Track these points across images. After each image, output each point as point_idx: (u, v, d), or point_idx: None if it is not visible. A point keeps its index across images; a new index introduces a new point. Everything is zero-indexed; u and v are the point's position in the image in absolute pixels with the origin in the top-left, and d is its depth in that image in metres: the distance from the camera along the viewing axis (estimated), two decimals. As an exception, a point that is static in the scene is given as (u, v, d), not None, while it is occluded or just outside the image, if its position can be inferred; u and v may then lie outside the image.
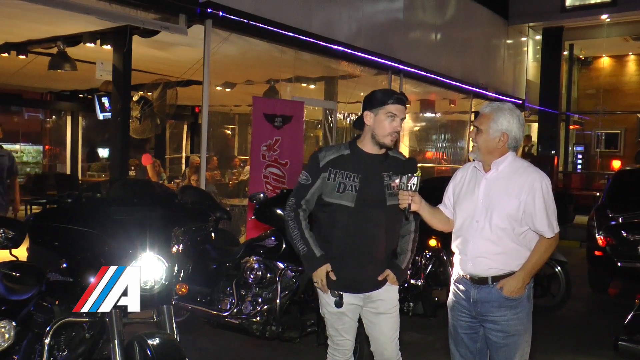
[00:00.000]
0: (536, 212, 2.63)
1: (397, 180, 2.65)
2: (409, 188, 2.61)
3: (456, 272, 2.86)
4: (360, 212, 2.77)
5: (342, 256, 2.81)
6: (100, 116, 10.06)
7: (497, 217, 2.66)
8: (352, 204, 2.76)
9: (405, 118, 2.83)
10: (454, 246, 2.85)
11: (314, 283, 2.87)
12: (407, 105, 2.89)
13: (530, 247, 2.72)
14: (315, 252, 2.79)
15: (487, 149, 2.71)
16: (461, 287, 2.80)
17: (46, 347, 2.60)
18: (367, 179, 2.79)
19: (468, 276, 2.75)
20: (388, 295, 2.89)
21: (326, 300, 2.87)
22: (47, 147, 14.97)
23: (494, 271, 2.70)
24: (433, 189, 3.27)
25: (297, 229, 2.82)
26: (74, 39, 7.25)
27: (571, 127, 16.47)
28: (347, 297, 2.83)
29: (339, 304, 2.81)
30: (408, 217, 2.80)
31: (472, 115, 3.01)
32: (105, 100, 9.79)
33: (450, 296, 2.90)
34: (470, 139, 2.80)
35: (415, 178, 2.61)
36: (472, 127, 2.78)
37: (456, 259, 2.84)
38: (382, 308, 2.89)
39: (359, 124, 2.87)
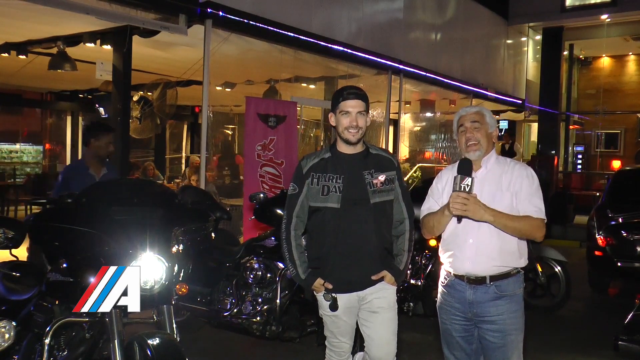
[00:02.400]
0: (522, 192, 2.67)
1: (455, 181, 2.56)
2: (461, 189, 2.54)
3: (447, 274, 2.84)
4: (347, 212, 2.79)
5: (333, 257, 2.82)
6: (105, 114, 10.09)
7: None
8: (338, 204, 2.78)
9: (366, 111, 2.83)
10: (445, 248, 2.82)
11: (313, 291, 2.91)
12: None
13: (524, 249, 2.77)
14: (300, 274, 2.86)
15: (488, 142, 2.78)
16: (455, 289, 2.78)
17: (46, 347, 2.60)
18: (349, 179, 2.81)
19: (464, 277, 2.74)
20: (383, 294, 2.88)
21: (321, 303, 2.89)
22: (47, 147, 14.97)
23: (495, 269, 2.70)
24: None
25: (287, 250, 2.90)
26: (74, 39, 7.25)
27: (571, 127, 16.48)
28: (342, 300, 2.83)
29: (333, 307, 2.82)
30: (461, 220, 2.67)
31: (457, 118, 2.98)
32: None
33: (441, 299, 2.87)
34: (466, 136, 2.78)
35: (469, 179, 2.52)
36: (468, 126, 2.77)
37: (447, 261, 2.81)
38: (375, 306, 2.87)
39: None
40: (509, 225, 2.62)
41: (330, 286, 2.81)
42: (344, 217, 2.79)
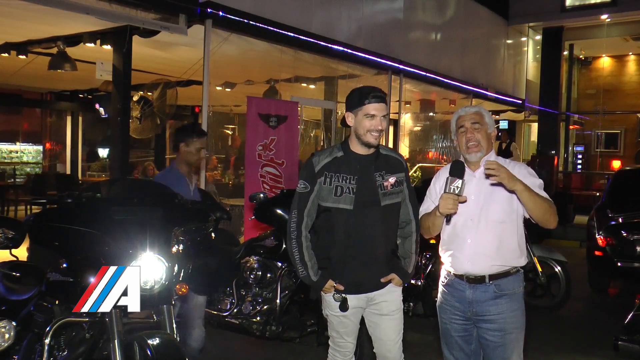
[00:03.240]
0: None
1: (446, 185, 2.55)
2: (451, 191, 2.54)
3: (447, 274, 2.84)
4: (359, 214, 2.75)
5: (343, 259, 2.80)
6: (105, 114, 10.11)
7: (494, 212, 2.68)
8: (351, 206, 2.74)
9: (387, 115, 2.80)
10: (445, 248, 2.82)
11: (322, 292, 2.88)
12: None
13: (523, 248, 2.77)
14: (312, 276, 2.79)
15: (488, 142, 2.78)
16: (454, 288, 2.78)
17: (46, 347, 2.60)
18: (362, 180, 2.77)
19: (464, 277, 2.74)
20: (391, 297, 2.88)
21: (330, 303, 2.87)
22: (47, 147, 14.98)
23: (494, 268, 2.70)
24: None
25: (298, 251, 2.81)
26: (74, 39, 7.25)
27: (571, 127, 16.48)
28: (350, 300, 2.82)
29: (343, 307, 2.80)
30: (449, 221, 2.69)
31: (455, 119, 2.94)
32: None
33: (441, 299, 2.87)
34: (466, 137, 2.77)
35: (460, 181, 2.53)
36: (468, 127, 2.76)
37: (447, 260, 2.81)
38: (385, 310, 2.87)
39: (346, 123, 2.87)
40: (536, 201, 2.56)
41: (341, 287, 2.79)
42: (356, 219, 2.75)
